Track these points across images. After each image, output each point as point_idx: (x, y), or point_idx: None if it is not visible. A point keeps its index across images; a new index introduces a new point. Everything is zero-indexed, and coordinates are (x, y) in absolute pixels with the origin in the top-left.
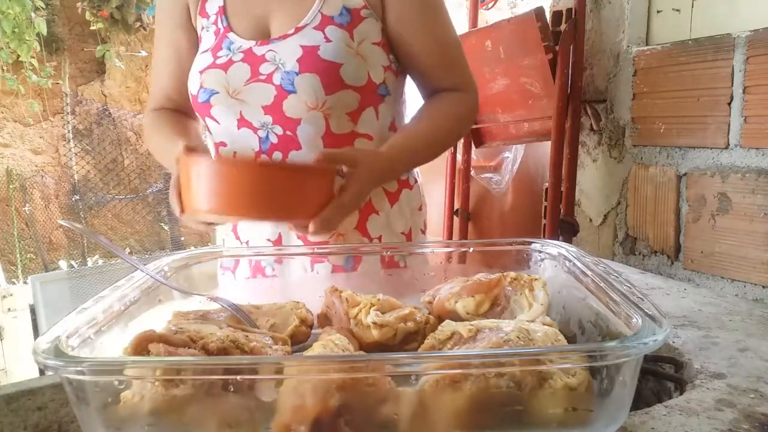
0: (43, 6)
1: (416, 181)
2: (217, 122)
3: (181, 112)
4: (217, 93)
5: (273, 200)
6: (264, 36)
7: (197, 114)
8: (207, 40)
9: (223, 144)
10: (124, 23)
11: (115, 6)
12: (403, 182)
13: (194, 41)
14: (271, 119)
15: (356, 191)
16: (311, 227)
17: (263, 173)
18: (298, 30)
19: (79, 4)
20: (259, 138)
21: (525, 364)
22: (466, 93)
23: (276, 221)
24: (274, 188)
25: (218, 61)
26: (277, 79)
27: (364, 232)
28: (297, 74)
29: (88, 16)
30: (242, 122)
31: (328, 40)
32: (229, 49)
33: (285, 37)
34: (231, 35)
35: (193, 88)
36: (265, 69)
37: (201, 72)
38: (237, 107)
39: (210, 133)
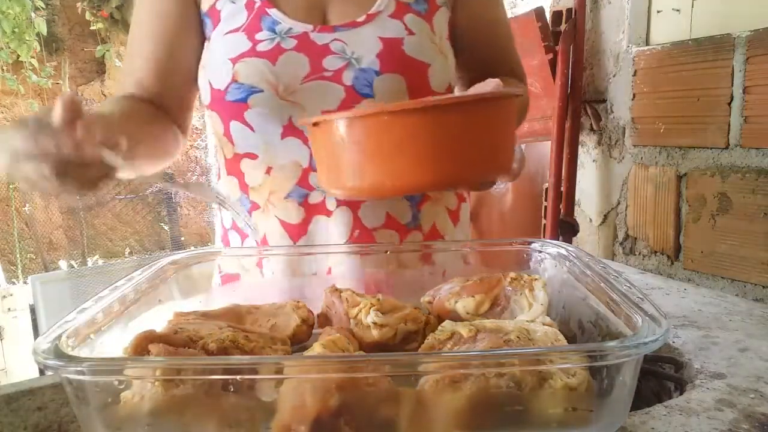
0: (43, 6)
1: (468, 192)
2: (251, 128)
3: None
4: (260, 92)
5: (471, 153)
6: (319, 19)
7: (215, 115)
8: (233, 15)
9: (251, 156)
10: (124, 23)
11: (115, 6)
12: (459, 195)
13: (193, 10)
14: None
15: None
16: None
17: (460, 114)
18: (370, 17)
19: (79, 4)
20: (310, 151)
21: (525, 364)
22: (521, 83)
23: (467, 182)
24: (468, 135)
25: (260, 48)
26: (348, 78)
27: (427, 260)
28: (377, 74)
29: (88, 16)
30: (289, 130)
31: (411, 33)
32: (273, 31)
33: (355, 24)
34: (274, 13)
35: (218, 80)
36: (331, 64)
37: (234, 60)
38: (286, 111)
39: (232, 142)
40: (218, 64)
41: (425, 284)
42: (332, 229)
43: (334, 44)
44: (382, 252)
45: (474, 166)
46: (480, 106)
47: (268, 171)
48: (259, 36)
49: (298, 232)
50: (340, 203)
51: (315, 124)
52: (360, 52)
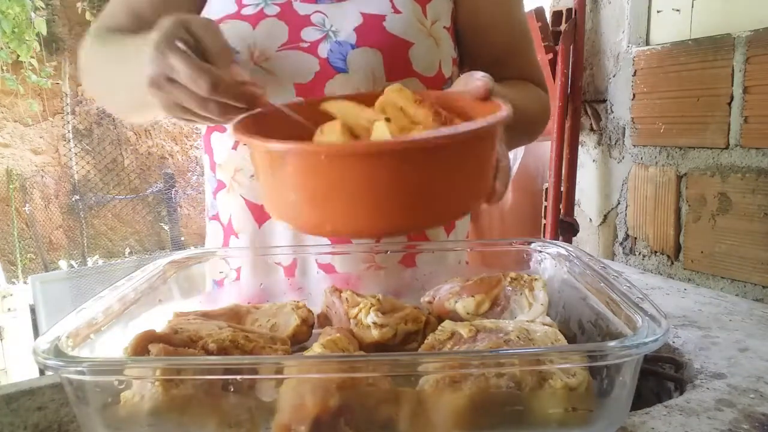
0: (43, 6)
1: None
2: None
3: None
4: (236, 53)
5: (443, 197)
6: None
7: None
8: None
9: (220, 129)
10: None
11: None
12: None
13: None
14: (304, 103)
15: (503, 142)
16: (492, 205)
17: (432, 157)
18: None
19: (79, 4)
20: None
21: (525, 364)
22: (539, 87)
23: (442, 223)
24: (445, 177)
25: (245, 11)
26: (323, 50)
27: (411, 267)
28: (353, 47)
29: (88, 16)
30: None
31: (397, 11)
32: None
33: None
34: None
35: None
36: (308, 35)
37: (217, 21)
38: (259, 79)
39: None
40: None
41: (425, 285)
42: None
43: (315, 16)
44: (384, 252)
45: (444, 208)
46: (454, 149)
47: (235, 146)
48: (245, 0)
49: (262, 214)
50: None
51: (245, 143)
52: (338, 25)
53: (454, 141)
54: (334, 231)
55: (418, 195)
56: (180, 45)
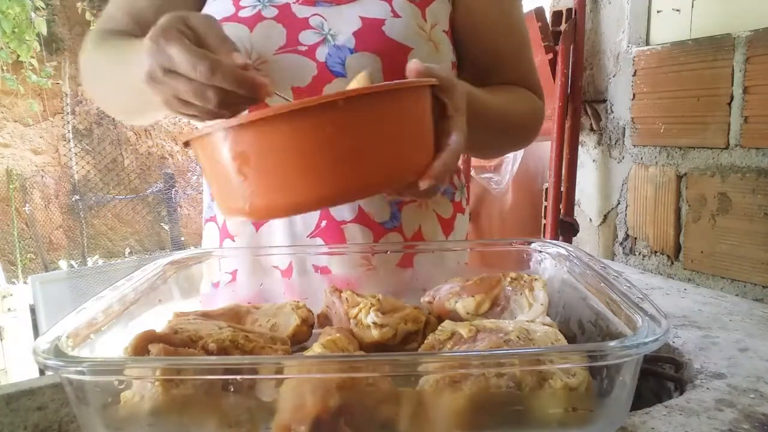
0: (43, 6)
1: (468, 202)
2: None
3: None
4: (237, 50)
5: (368, 158)
6: None
7: None
8: None
9: None
10: None
11: None
12: (457, 205)
13: None
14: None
15: (463, 125)
16: (425, 182)
17: (351, 113)
18: None
19: (79, 4)
20: None
21: (525, 364)
22: (533, 94)
23: (374, 190)
24: (366, 137)
25: (242, 14)
26: (321, 54)
27: (410, 268)
28: (351, 52)
29: (88, 16)
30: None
31: (396, 15)
32: None
33: (339, 2)
34: None
35: None
36: (306, 38)
37: None
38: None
39: None
40: None
41: (425, 285)
42: (297, 217)
43: (313, 19)
44: (383, 252)
45: (372, 171)
46: (373, 100)
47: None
48: (243, 2)
49: None
50: None
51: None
52: (337, 29)
53: (364, 93)
54: (270, 208)
55: (344, 153)
56: (178, 34)
